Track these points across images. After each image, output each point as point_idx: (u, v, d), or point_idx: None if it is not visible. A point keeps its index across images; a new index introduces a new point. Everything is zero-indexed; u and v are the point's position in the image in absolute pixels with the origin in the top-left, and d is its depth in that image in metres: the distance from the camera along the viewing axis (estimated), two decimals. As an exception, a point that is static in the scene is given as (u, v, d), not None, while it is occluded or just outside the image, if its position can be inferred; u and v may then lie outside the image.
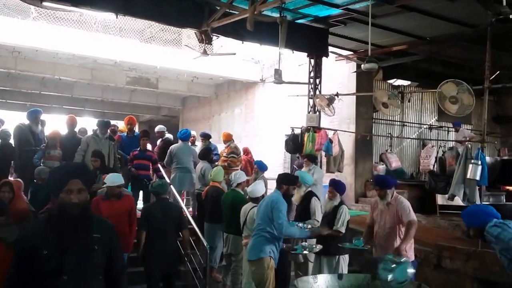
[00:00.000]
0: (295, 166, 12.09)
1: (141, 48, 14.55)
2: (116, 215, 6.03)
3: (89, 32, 13.79)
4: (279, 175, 6.49)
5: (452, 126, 13.90)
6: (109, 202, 6.44)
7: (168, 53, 14.97)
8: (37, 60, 15.50)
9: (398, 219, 5.86)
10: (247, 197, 7.34)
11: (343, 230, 6.42)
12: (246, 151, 11.68)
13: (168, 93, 20.41)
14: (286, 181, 6.26)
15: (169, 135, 11.93)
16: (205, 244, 7.35)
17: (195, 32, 10.13)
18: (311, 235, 6.52)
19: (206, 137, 10.88)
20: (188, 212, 8.80)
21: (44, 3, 8.69)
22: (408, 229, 5.69)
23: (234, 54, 12.83)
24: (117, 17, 9.44)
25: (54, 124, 10.60)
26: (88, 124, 12.03)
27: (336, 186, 6.76)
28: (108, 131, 9.37)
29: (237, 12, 9.06)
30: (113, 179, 6.53)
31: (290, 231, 6.03)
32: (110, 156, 8.93)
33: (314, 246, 6.30)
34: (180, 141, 10.27)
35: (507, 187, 10.17)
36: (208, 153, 9.84)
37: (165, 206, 6.66)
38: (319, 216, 6.85)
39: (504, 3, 6.54)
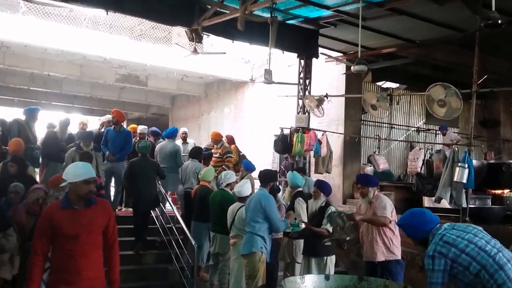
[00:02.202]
0: (282, 167, 12.14)
1: (131, 45, 14.45)
2: (84, 234, 3.97)
3: (79, 28, 13.63)
4: (262, 173, 6.68)
5: (439, 129, 14.01)
6: (71, 212, 3.99)
7: (158, 51, 14.88)
8: (26, 56, 15.33)
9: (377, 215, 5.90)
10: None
11: (330, 229, 6.38)
12: (232, 140, 11.44)
13: (158, 91, 20.31)
14: (270, 178, 6.54)
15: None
16: (193, 243, 7.35)
17: (185, 31, 10.11)
18: (301, 232, 6.63)
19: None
20: (177, 212, 8.78)
21: (34, -2, 8.63)
22: (378, 217, 5.75)
23: (224, 53, 12.80)
24: (107, 14, 9.36)
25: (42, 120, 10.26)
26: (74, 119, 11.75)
27: (321, 187, 6.79)
28: (92, 143, 8.84)
29: (228, 11, 9.05)
30: (77, 170, 4.11)
31: (282, 226, 6.31)
32: (99, 170, 8.60)
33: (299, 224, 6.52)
34: (165, 140, 10.21)
35: (493, 191, 10.25)
36: (199, 153, 9.81)
37: (146, 161, 8.84)
38: (304, 217, 6.90)
39: (493, 8, 6.58)
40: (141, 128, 11.26)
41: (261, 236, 6.09)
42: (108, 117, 10.48)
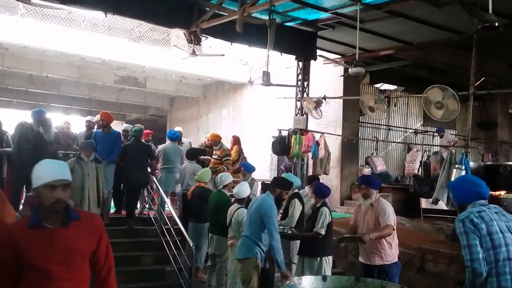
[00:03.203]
0: (282, 167, 12.14)
1: (130, 47, 14.45)
2: (61, 267, 2.74)
3: (78, 30, 13.65)
4: (275, 178, 6.51)
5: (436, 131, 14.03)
6: (42, 233, 2.75)
7: (156, 53, 14.89)
8: (25, 57, 15.35)
9: (379, 222, 5.88)
10: (232, 199, 7.37)
11: (322, 232, 6.35)
12: (237, 141, 11.49)
13: (156, 93, 20.32)
14: (281, 186, 6.21)
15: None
16: (191, 244, 7.34)
17: (184, 33, 10.13)
18: (293, 236, 6.66)
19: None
20: (175, 213, 8.79)
21: (33, 0, 8.63)
22: (383, 228, 5.66)
23: (223, 55, 12.85)
24: (106, 16, 9.38)
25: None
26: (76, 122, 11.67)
27: (317, 190, 6.74)
28: (93, 153, 8.21)
29: (226, 14, 9.06)
30: (41, 170, 2.79)
31: (275, 245, 5.84)
32: (99, 183, 8.04)
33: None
34: (168, 141, 10.20)
35: (490, 192, 10.26)
36: (195, 154, 9.84)
37: (139, 144, 9.51)
38: (294, 218, 6.93)
39: (490, 11, 6.62)
40: (125, 126, 11.18)
41: (257, 240, 5.94)
42: (95, 117, 10.34)
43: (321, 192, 6.71)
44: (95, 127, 10.05)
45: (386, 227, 5.67)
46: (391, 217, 5.73)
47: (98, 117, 10.05)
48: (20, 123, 8.80)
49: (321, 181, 7.66)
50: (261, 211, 5.88)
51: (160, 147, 10.10)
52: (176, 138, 10.29)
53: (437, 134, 13.89)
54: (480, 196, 3.79)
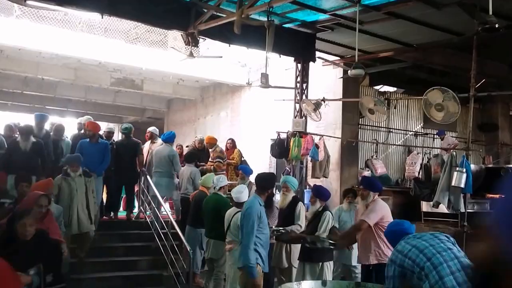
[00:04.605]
0: (287, 168, 12.07)
1: (126, 49, 14.29)
2: None
3: (74, 32, 13.38)
4: (258, 178, 6.45)
5: (436, 134, 13.95)
6: None
7: (153, 55, 14.71)
8: (20, 59, 15.22)
9: None
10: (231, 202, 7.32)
11: (325, 236, 6.38)
12: (233, 145, 11.41)
13: (153, 95, 20.18)
14: (268, 184, 6.28)
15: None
16: (188, 249, 7.27)
17: (181, 34, 10.07)
18: (292, 239, 6.60)
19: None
20: (171, 217, 8.69)
21: (28, 2, 8.57)
22: (355, 227, 5.78)
23: (221, 57, 12.79)
24: (102, 18, 9.31)
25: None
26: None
27: (317, 193, 6.77)
28: (80, 167, 7.80)
29: (224, 15, 9.00)
30: None
31: (247, 251, 5.77)
32: (89, 198, 7.73)
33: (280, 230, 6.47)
34: (162, 143, 10.11)
35: (492, 195, 10.18)
36: (193, 157, 9.76)
37: (128, 142, 10.01)
38: (302, 222, 6.84)
39: (490, 12, 6.57)
40: (109, 127, 10.81)
41: (256, 247, 5.87)
42: (87, 118, 10.15)
43: (323, 194, 6.77)
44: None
45: (356, 224, 5.72)
46: (375, 215, 5.77)
47: (87, 118, 9.94)
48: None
49: (318, 185, 7.62)
50: (244, 214, 5.91)
51: (154, 150, 10.01)
52: (170, 139, 10.15)
53: (437, 136, 13.83)
54: (405, 233, 4.16)
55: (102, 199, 9.58)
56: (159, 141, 10.59)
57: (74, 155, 8.13)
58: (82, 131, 9.77)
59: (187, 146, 11.93)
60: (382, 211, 5.82)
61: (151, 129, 11.19)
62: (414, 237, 4.05)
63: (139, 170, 10.03)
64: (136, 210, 10.43)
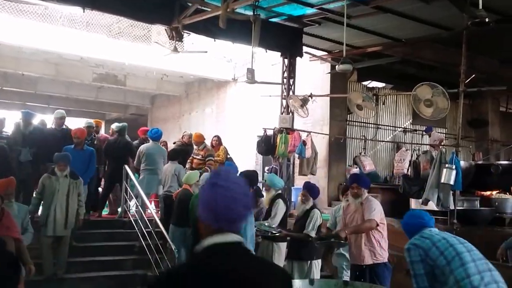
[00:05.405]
0: (274, 166, 11.96)
1: (109, 44, 14.16)
2: None
3: (54, 26, 13.20)
4: (244, 176, 6.31)
5: (424, 131, 13.93)
6: None
7: (137, 50, 14.59)
8: (-1, 54, 14.97)
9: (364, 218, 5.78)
10: None
11: (313, 234, 6.37)
12: (219, 142, 11.27)
13: (137, 91, 20.06)
14: (253, 181, 6.45)
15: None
16: (173, 248, 7.16)
17: (165, 29, 10.00)
18: (280, 236, 6.59)
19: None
20: (156, 215, 8.56)
21: (7, -5, 8.33)
22: (363, 223, 5.60)
23: (206, 52, 12.65)
24: (84, 11, 9.26)
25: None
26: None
27: (310, 190, 6.72)
28: (68, 167, 7.44)
29: (209, 9, 8.96)
30: None
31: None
32: (69, 201, 7.36)
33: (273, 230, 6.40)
34: (150, 141, 9.99)
35: (482, 192, 10.14)
36: (177, 154, 9.66)
37: (121, 141, 9.96)
38: (277, 218, 6.81)
39: (480, 6, 6.50)
40: (88, 121, 10.42)
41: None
42: (60, 112, 9.78)
43: (314, 191, 6.78)
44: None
45: (366, 221, 5.61)
46: (377, 213, 5.67)
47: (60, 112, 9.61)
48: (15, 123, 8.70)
49: (310, 182, 7.54)
50: None
51: (142, 147, 9.87)
52: (158, 137, 10.10)
53: (426, 133, 13.80)
54: (423, 226, 4.09)
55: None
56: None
57: (62, 154, 7.71)
58: (54, 126, 9.49)
59: (174, 143, 11.74)
60: (379, 208, 5.74)
61: (114, 126, 10.94)
62: (441, 233, 4.02)
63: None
64: (119, 209, 10.25)
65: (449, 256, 3.72)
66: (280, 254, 6.84)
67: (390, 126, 14.24)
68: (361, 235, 5.72)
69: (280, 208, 6.89)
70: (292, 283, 2.15)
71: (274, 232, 6.50)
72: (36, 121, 9.62)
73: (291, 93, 10.87)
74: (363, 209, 5.74)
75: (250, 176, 6.42)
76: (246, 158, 13.95)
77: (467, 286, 3.58)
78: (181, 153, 10.20)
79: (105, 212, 10.35)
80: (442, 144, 12.39)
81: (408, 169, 12.30)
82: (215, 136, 11.30)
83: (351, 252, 5.99)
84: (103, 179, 10.29)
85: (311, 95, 10.64)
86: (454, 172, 8.22)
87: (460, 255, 3.70)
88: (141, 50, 14.61)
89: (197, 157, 10.24)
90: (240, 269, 1.87)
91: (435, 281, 3.76)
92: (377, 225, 5.64)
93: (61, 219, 7.27)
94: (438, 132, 14.15)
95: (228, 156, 10.95)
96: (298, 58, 11.05)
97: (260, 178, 10.31)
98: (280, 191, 7.28)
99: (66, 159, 7.50)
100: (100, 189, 10.39)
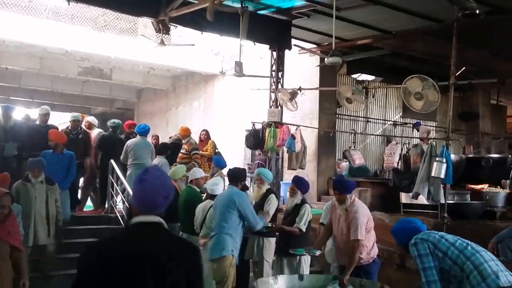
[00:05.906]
0: (260, 162, 11.92)
1: (94, 37, 14.06)
2: None
3: (39, 19, 13.20)
4: (231, 172, 6.48)
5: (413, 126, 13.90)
6: None
7: (123, 43, 14.53)
8: (-18, 48, 14.80)
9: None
10: (203, 195, 7.36)
11: (304, 228, 6.32)
12: (207, 136, 11.17)
13: (123, 85, 19.95)
14: (240, 177, 6.37)
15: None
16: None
17: (152, 21, 9.88)
18: (271, 230, 6.53)
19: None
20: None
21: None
22: (353, 251, 5.28)
23: (193, 45, 12.57)
24: (69, 4, 9.24)
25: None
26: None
27: (299, 184, 6.63)
28: (43, 173, 7.11)
29: (196, 2, 8.86)
30: None
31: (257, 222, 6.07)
32: (49, 208, 7.07)
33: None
34: (138, 136, 9.87)
35: (472, 186, 10.12)
36: (166, 148, 9.56)
37: (115, 137, 10.11)
38: (270, 214, 6.82)
39: (471, -2, 6.41)
40: (74, 115, 10.04)
41: (231, 236, 5.82)
42: (45, 108, 9.60)
43: (304, 186, 6.67)
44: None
45: (354, 247, 5.30)
46: (361, 228, 5.36)
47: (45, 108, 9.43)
48: None
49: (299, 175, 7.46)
50: (234, 199, 5.89)
51: (129, 142, 9.75)
52: (146, 132, 10.02)
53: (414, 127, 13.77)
54: (419, 230, 4.10)
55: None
56: (97, 130, 10.39)
57: (36, 159, 7.37)
58: (38, 122, 9.29)
59: (170, 137, 11.62)
60: (365, 215, 5.47)
61: (89, 118, 10.77)
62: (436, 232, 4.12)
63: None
64: (106, 205, 10.09)
65: (460, 246, 3.82)
66: (270, 249, 6.77)
67: (380, 119, 14.17)
68: (346, 242, 5.47)
69: (273, 205, 6.87)
70: (200, 263, 2.54)
71: (268, 225, 6.46)
72: (19, 115, 9.49)
73: (279, 86, 10.80)
74: (348, 220, 5.46)
75: (238, 173, 6.43)
76: (234, 153, 13.88)
77: (487, 270, 3.64)
78: (172, 148, 10.08)
79: (90, 207, 10.22)
80: (429, 136, 12.40)
81: (398, 163, 12.31)
82: (203, 130, 11.21)
83: (335, 254, 5.96)
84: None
85: (300, 89, 10.57)
86: (444, 166, 8.17)
87: (471, 245, 3.84)
88: (127, 43, 14.57)
89: (182, 151, 10.22)
90: (148, 243, 2.38)
91: (445, 272, 3.82)
92: (362, 240, 5.35)
93: (42, 227, 6.97)
94: (428, 126, 14.14)
95: (217, 151, 10.85)
96: (286, 51, 10.97)
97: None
98: (268, 186, 7.22)
99: (40, 164, 7.17)
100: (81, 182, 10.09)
